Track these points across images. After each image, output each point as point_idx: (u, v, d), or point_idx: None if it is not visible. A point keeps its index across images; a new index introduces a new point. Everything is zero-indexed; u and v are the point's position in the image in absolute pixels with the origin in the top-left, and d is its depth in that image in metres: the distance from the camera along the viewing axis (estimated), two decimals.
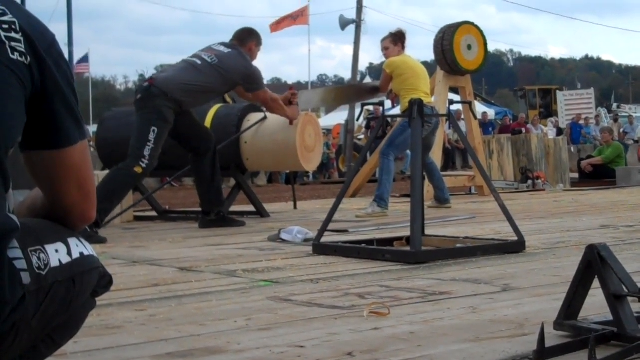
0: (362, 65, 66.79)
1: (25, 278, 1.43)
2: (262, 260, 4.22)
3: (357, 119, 19.67)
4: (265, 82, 6.62)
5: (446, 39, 9.33)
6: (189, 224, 6.74)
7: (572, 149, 20.81)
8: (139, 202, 7.48)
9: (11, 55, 1.44)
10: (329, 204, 5.66)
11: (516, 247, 4.35)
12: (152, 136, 5.77)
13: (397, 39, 7.54)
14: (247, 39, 6.35)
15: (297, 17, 27.28)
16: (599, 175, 12.72)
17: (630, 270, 2.27)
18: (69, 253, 1.55)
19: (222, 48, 6.24)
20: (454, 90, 10.25)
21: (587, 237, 4.96)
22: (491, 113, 28.07)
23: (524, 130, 20.38)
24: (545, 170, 11.72)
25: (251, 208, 7.37)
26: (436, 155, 8.81)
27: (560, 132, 25.11)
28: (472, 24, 9.68)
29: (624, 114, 29.82)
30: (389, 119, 9.58)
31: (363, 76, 31.25)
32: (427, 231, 4.84)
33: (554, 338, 2.20)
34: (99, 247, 4.76)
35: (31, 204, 1.66)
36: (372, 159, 9.90)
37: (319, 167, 16.76)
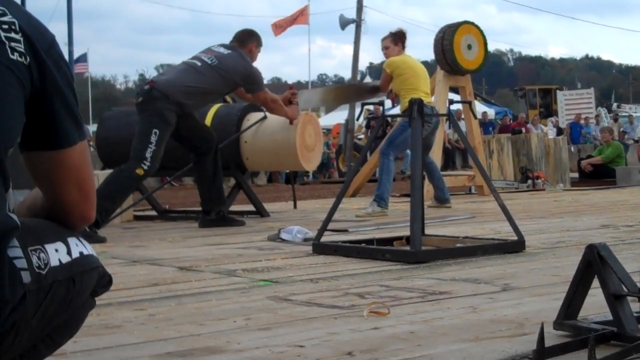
0: (362, 65, 66.82)
1: (26, 277, 1.43)
2: (262, 259, 4.22)
3: (357, 119, 19.63)
4: (265, 81, 6.62)
5: (446, 38, 9.33)
6: (188, 223, 6.74)
7: (572, 148, 20.79)
8: (138, 201, 7.49)
9: (11, 56, 1.44)
10: (328, 204, 5.66)
11: (516, 246, 4.35)
12: (153, 138, 5.79)
13: (397, 39, 7.54)
14: (247, 40, 6.35)
15: (297, 17, 27.26)
16: (599, 175, 12.71)
17: (630, 270, 2.27)
18: (69, 252, 1.55)
19: (221, 49, 6.24)
20: (454, 89, 10.25)
21: (587, 236, 4.95)
22: (491, 113, 28.08)
23: (524, 130, 20.37)
24: (545, 170, 11.71)
25: (251, 207, 7.38)
26: (436, 155, 8.80)
27: (560, 131, 25.08)
28: (472, 23, 9.68)
29: (624, 114, 29.83)
30: (389, 119, 9.63)
31: (363, 76, 31.20)
32: (427, 231, 4.84)
33: (553, 338, 2.20)
34: (98, 247, 4.77)
35: (31, 204, 1.66)
36: (372, 158, 9.90)
37: (319, 167, 16.73)
